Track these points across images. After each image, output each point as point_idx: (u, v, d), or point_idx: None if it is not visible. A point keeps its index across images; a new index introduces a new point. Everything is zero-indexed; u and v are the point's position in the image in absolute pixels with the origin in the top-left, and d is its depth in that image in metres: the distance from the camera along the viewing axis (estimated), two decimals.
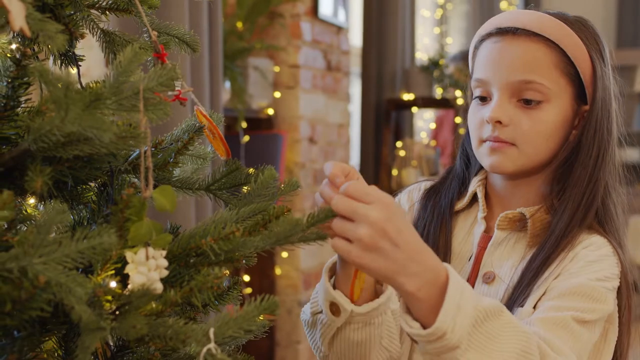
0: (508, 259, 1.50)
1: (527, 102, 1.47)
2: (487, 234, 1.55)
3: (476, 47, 1.56)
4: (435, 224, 1.58)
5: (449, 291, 1.14)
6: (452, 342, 1.15)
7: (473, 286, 1.52)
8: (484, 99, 1.52)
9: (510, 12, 1.54)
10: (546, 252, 1.45)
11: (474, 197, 1.60)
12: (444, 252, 1.55)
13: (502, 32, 1.50)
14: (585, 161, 1.49)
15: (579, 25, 1.51)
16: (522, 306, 1.42)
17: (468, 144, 1.60)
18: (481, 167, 1.61)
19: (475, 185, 1.59)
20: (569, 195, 1.48)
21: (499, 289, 1.49)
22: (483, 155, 1.51)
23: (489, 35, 1.52)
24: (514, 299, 1.44)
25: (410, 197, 1.67)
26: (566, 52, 1.47)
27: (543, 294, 1.42)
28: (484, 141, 1.51)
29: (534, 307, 1.42)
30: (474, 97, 1.55)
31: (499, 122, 1.47)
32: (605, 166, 1.50)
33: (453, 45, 6.47)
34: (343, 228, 1.14)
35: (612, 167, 1.52)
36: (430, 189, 1.65)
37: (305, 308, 1.43)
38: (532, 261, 1.46)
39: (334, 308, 1.35)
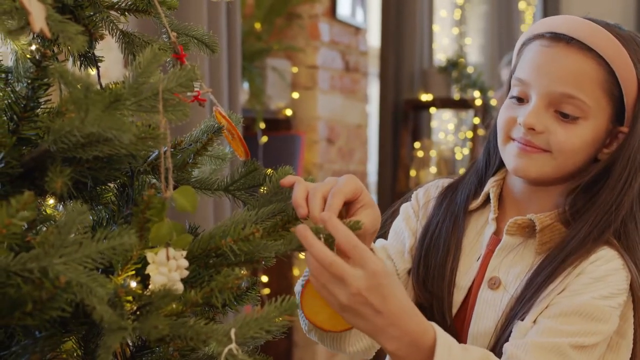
0: (515, 265, 1.49)
1: (564, 116, 1.43)
2: (497, 237, 1.54)
3: (524, 44, 1.52)
4: (448, 223, 1.57)
5: (437, 352, 1.22)
6: None
7: (478, 289, 1.51)
8: (520, 100, 1.48)
9: (567, 17, 1.49)
10: (553, 267, 1.43)
11: (489, 197, 1.59)
12: (454, 251, 1.55)
13: (555, 37, 1.46)
14: (614, 185, 1.45)
15: (633, 45, 1.46)
16: (522, 320, 1.41)
17: (493, 140, 1.57)
18: (500, 167, 1.59)
19: (490, 185, 1.58)
20: (591, 215, 1.45)
21: (502, 297, 1.47)
22: (510, 155, 1.49)
23: (541, 36, 1.48)
24: (515, 312, 1.43)
25: (427, 194, 1.65)
26: (615, 74, 1.43)
27: (545, 308, 1.40)
28: (512, 139, 1.48)
29: (534, 321, 1.40)
30: (510, 95, 1.51)
31: (532, 129, 1.44)
32: (631, 190, 1.46)
33: (472, 46, 6.46)
34: (329, 285, 1.17)
35: (638, 189, 1.48)
36: (449, 187, 1.64)
37: (300, 281, 1.43)
38: (537, 274, 1.44)
39: None
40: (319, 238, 1.15)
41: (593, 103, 1.42)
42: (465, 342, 1.48)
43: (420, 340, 1.23)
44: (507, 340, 1.41)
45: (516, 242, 1.50)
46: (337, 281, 1.16)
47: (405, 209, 1.66)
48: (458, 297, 1.52)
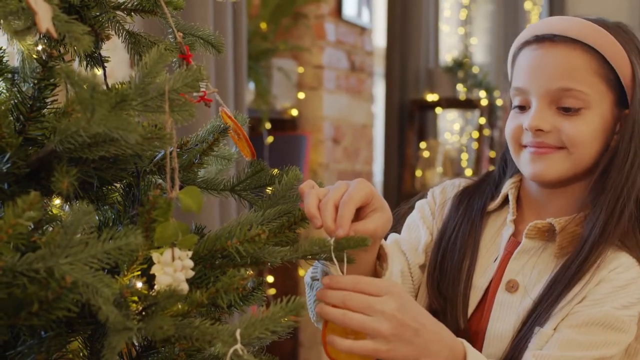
0: (534, 269, 1.49)
1: (567, 110, 1.44)
2: (515, 239, 1.54)
3: (515, 55, 1.54)
4: (465, 228, 1.57)
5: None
6: None
7: (495, 292, 1.51)
8: (522, 108, 1.50)
9: (547, 19, 1.52)
10: (573, 271, 1.43)
11: (507, 199, 1.58)
12: (471, 253, 1.55)
13: (540, 39, 1.48)
14: (620, 165, 1.45)
15: (619, 30, 1.48)
16: (541, 326, 1.41)
17: (508, 152, 1.57)
18: (517, 171, 1.59)
19: (508, 187, 1.58)
20: (603, 201, 1.45)
21: (521, 300, 1.47)
22: (525, 162, 1.49)
23: (527, 43, 1.50)
24: (534, 317, 1.43)
25: (444, 193, 1.65)
26: (606, 58, 1.44)
27: (566, 316, 1.41)
28: (524, 146, 1.49)
29: (555, 329, 1.41)
30: (513, 106, 1.52)
31: (540, 130, 1.45)
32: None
33: (477, 46, 6.45)
34: (364, 324, 1.19)
35: None
36: (465, 191, 1.64)
37: (309, 271, 1.45)
38: (557, 280, 1.44)
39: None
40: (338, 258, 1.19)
41: (591, 91, 1.44)
42: (479, 343, 1.49)
43: (455, 350, 1.28)
44: (524, 344, 1.41)
45: (536, 245, 1.50)
46: (372, 315, 1.19)
47: (422, 205, 1.66)
48: (474, 298, 1.53)
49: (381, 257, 1.37)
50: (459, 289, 1.52)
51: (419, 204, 1.67)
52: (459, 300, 1.52)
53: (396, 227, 1.65)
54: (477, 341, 1.49)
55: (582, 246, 1.44)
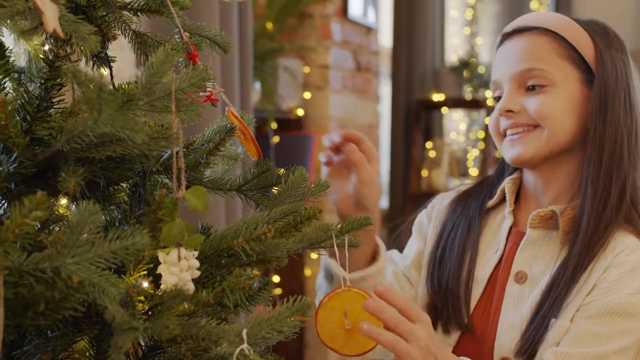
0: (541, 258, 1.50)
1: (533, 88, 1.50)
2: (516, 229, 1.56)
3: (493, 58, 1.61)
4: (464, 224, 1.60)
5: None
6: None
7: (497, 284, 1.52)
8: (499, 99, 1.55)
9: (516, 20, 1.59)
10: (578, 258, 1.44)
11: (505, 196, 1.61)
12: (472, 249, 1.57)
13: (509, 35, 1.56)
14: (597, 145, 1.48)
15: (586, 21, 1.55)
16: (556, 318, 1.42)
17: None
18: (513, 172, 1.63)
19: (505, 182, 1.61)
20: (586, 186, 1.48)
21: (530, 291, 1.48)
22: (505, 149, 1.54)
23: (500, 43, 1.58)
24: (547, 308, 1.44)
25: (443, 199, 1.70)
26: (567, 39, 1.50)
27: (579, 308, 1.42)
28: (504, 135, 1.54)
29: (571, 320, 1.42)
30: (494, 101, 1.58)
31: (510, 110, 1.51)
32: (631, 154, 1.48)
33: (483, 46, 6.44)
34: (398, 346, 1.24)
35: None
36: (463, 193, 1.68)
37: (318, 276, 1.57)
38: (564, 268, 1.45)
39: (328, 275, 1.52)
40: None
41: (555, 70, 1.49)
42: (487, 338, 1.51)
43: None
44: (537, 335, 1.43)
45: (540, 234, 1.52)
46: (405, 338, 1.25)
47: (420, 215, 1.71)
48: (477, 291, 1.55)
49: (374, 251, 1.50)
50: (460, 281, 1.55)
51: (418, 216, 1.72)
52: (461, 293, 1.54)
53: (395, 242, 1.74)
54: (482, 336, 1.51)
55: (579, 231, 1.46)
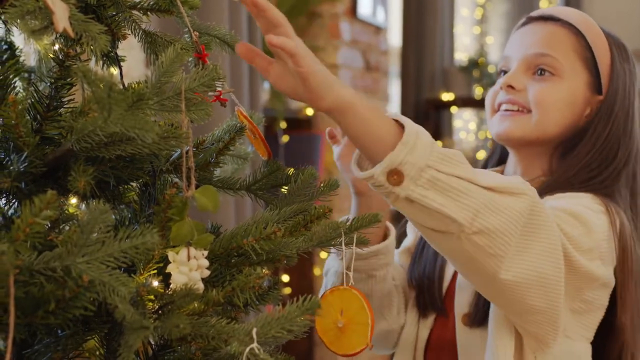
0: None
1: (540, 73, 1.52)
2: None
3: (512, 36, 1.64)
4: None
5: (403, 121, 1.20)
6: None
7: None
8: (505, 73, 1.59)
9: (546, 8, 1.62)
10: None
11: None
12: None
13: (532, 19, 1.59)
14: (589, 146, 1.51)
15: (609, 31, 1.58)
16: None
17: (498, 147, 1.68)
18: (497, 165, 1.67)
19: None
20: (562, 173, 1.51)
21: None
22: (495, 123, 1.57)
23: (522, 24, 1.61)
24: None
25: None
26: (586, 39, 1.53)
27: None
28: (497, 110, 1.57)
29: None
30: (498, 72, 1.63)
31: (511, 86, 1.54)
32: (608, 150, 1.51)
33: (493, 45, 6.43)
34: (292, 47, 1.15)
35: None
36: None
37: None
38: None
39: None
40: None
41: (565, 62, 1.53)
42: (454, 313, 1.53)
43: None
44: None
45: None
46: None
47: None
48: (448, 274, 1.59)
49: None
50: (435, 266, 1.59)
51: None
52: (435, 276, 1.58)
53: (401, 240, 1.74)
54: (450, 312, 1.54)
55: None
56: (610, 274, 1.44)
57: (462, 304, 1.51)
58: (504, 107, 1.55)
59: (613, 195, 1.50)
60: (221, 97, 1.19)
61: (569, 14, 1.57)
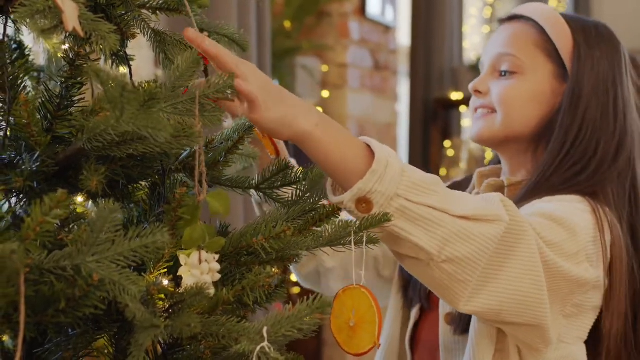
0: None
1: (503, 74, 1.55)
2: None
3: None
4: None
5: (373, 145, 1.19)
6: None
7: None
8: None
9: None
10: None
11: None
12: None
13: (502, 22, 1.63)
14: (559, 135, 1.51)
15: (576, 18, 1.59)
16: None
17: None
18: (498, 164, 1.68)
19: (481, 168, 1.68)
20: (541, 170, 1.50)
21: None
22: (471, 127, 1.60)
23: (496, 29, 1.65)
24: None
25: None
26: (546, 31, 1.54)
27: None
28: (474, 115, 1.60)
29: None
30: None
31: (477, 91, 1.57)
32: (616, 160, 1.49)
33: None
34: (241, 66, 1.10)
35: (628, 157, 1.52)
36: (453, 184, 1.73)
37: None
38: None
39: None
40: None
41: (526, 58, 1.55)
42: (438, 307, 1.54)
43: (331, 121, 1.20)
44: None
45: None
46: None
47: None
48: None
49: None
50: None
51: None
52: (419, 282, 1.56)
53: None
54: (434, 305, 1.55)
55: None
56: (601, 275, 1.43)
57: (445, 303, 1.49)
58: (478, 111, 1.58)
59: (602, 194, 1.48)
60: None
61: (532, 9, 1.58)
